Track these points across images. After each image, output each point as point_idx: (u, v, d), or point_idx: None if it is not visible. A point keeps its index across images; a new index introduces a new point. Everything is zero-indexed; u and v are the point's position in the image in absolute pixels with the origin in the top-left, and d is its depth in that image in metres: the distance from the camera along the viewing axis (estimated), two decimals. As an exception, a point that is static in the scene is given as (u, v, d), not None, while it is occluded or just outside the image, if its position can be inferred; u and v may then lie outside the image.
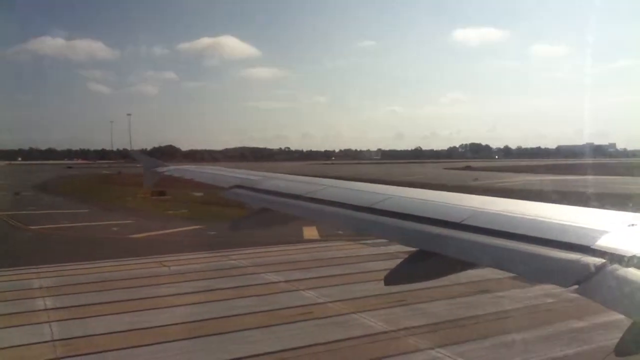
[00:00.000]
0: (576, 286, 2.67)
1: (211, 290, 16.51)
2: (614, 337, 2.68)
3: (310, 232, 26.25)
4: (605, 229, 2.97)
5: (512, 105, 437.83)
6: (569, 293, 10.61)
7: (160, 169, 10.86)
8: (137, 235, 28.23)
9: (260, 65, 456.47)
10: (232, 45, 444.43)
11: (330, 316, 13.82)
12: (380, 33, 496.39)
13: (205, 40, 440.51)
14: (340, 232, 24.75)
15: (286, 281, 17.39)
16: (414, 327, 12.98)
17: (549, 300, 14.92)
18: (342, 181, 6.42)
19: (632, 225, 3.02)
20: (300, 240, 24.81)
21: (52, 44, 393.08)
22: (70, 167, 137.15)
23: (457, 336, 12.68)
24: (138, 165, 13.59)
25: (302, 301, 15.24)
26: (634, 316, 2.48)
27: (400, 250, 19.15)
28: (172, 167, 10.84)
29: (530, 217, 3.54)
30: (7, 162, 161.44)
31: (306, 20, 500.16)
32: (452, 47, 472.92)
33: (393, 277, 4.15)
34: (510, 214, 3.69)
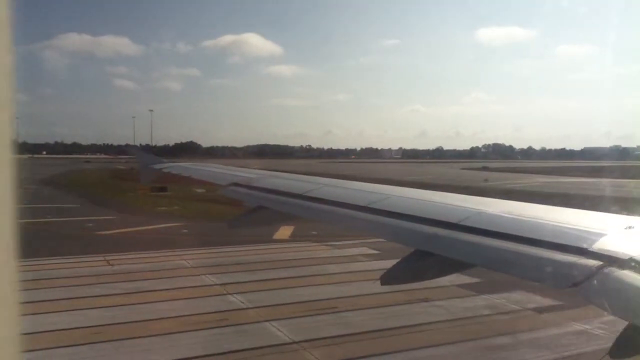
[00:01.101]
0: (574, 287, 2.65)
1: (140, 292, 15.70)
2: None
3: (284, 232, 25.56)
4: (603, 232, 2.97)
5: (538, 105, 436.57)
6: (510, 305, 11.88)
7: (157, 166, 10.85)
8: (105, 232, 27.11)
9: (283, 63, 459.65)
10: (255, 43, 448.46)
11: (240, 324, 12.91)
12: (404, 32, 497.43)
13: (229, 38, 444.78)
14: (314, 232, 24.47)
15: (222, 284, 16.54)
16: (322, 339, 11.97)
17: (485, 312, 13.93)
18: (340, 180, 6.41)
19: (630, 227, 3.02)
20: (268, 240, 23.93)
21: (78, 40, 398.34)
22: (88, 162, 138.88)
23: (367, 348, 11.59)
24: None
25: (224, 306, 14.31)
26: (629, 318, 2.48)
27: (365, 252, 19.32)
28: (170, 164, 10.83)
29: (528, 219, 3.53)
30: (29, 155, 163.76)
31: (329, 19, 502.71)
32: (476, 46, 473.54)
33: (390, 277, 4.15)
34: (508, 216, 3.70)
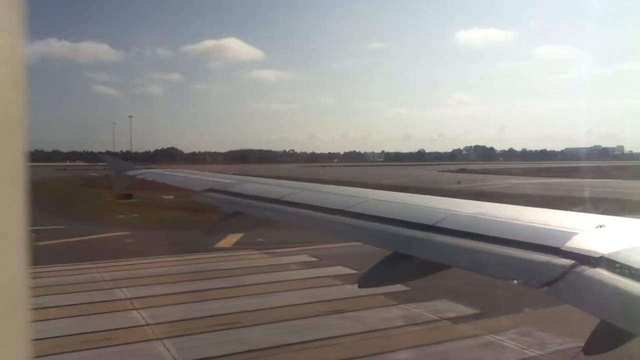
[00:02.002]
0: (547, 287, 2.68)
1: (44, 307, 14.15)
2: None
3: (230, 240, 24.53)
4: (575, 231, 3.00)
5: (520, 107, 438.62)
6: (427, 315, 12.11)
7: (131, 173, 10.69)
8: (43, 243, 25.17)
9: (266, 67, 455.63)
10: (236, 47, 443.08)
11: (128, 343, 12.09)
12: (389, 35, 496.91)
13: (209, 43, 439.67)
14: (260, 239, 23.71)
15: (133, 298, 15.54)
16: (208, 359, 11.38)
17: (398, 323, 13.32)
18: (317, 184, 6.40)
19: (601, 226, 3.06)
20: (208, 249, 22.80)
21: (58, 45, 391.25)
22: (65, 169, 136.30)
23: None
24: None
25: (121, 323, 13.36)
26: (602, 315, 2.50)
27: (303, 260, 19.18)
28: (144, 171, 10.70)
29: (503, 219, 3.55)
30: None
31: (310, 23, 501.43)
32: (458, 49, 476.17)
33: (367, 280, 4.16)
34: (482, 217, 3.73)
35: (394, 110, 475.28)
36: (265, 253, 22.23)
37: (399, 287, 15.06)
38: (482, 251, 3.15)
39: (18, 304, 0.80)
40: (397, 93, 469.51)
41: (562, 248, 2.81)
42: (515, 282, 2.89)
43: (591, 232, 2.98)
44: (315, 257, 20.86)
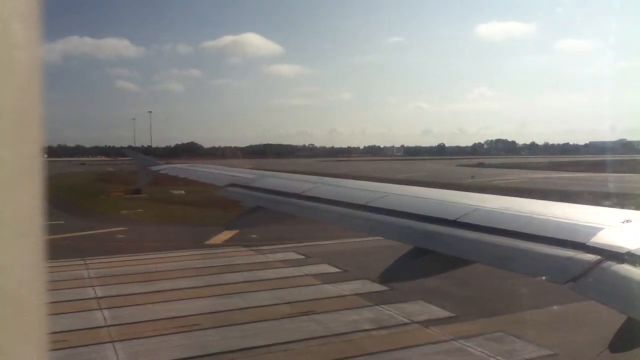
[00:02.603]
0: (572, 283, 2.65)
1: None
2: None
3: (223, 236, 24.29)
4: (600, 226, 2.96)
5: (542, 101, 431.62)
6: (399, 318, 11.89)
7: (154, 168, 10.81)
8: None
9: (285, 62, 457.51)
10: (255, 42, 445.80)
11: (78, 346, 11.49)
12: (408, 29, 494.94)
13: (228, 38, 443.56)
14: (253, 236, 23.15)
15: (100, 297, 14.96)
16: None
17: (366, 326, 12.68)
18: (337, 179, 6.41)
19: (627, 221, 3.01)
20: (197, 245, 22.45)
21: (79, 43, 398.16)
22: (82, 164, 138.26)
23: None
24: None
25: (78, 324, 12.76)
26: (628, 312, 2.46)
27: (289, 258, 19.11)
28: (167, 166, 10.80)
29: (527, 215, 3.52)
30: None
31: (329, 17, 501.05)
32: (478, 43, 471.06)
33: (389, 275, 4.14)
34: (506, 212, 3.69)
35: (414, 104, 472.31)
36: (253, 250, 21.64)
37: (376, 287, 14.92)
38: (506, 246, 3.12)
39: (35, 297, 0.81)
40: (417, 88, 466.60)
41: (587, 243, 2.77)
42: (543, 278, 2.86)
43: (617, 227, 2.93)
44: (303, 255, 20.49)
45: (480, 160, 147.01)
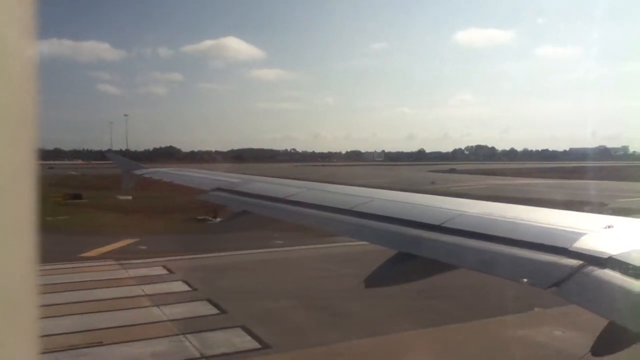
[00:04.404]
0: (555, 287, 2.68)
1: None
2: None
3: (111, 247, 23.78)
4: (583, 232, 2.99)
5: (524, 107, 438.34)
6: (201, 350, 10.80)
7: (138, 172, 10.69)
8: None
9: (266, 66, 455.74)
10: (236, 46, 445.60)
11: None
12: (393, 35, 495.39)
13: (208, 42, 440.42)
14: (143, 247, 22.93)
15: None
16: None
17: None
18: (323, 184, 6.42)
19: (609, 227, 3.05)
20: (71, 258, 21.23)
21: (59, 45, 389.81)
22: (51, 168, 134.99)
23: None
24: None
25: None
26: (610, 316, 2.49)
27: (153, 274, 18.22)
28: (151, 170, 10.68)
29: (510, 220, 3.55)
30: None
31: (310, 23, 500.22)
32: (463, 49, 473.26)
33: (373, 280, 4.14)
34: (490, 217, 3.70)
35: (397, 110, 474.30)
36: (119, 264, 20.45)
37: (211, 310, 14.45)
38: (490, 251, 3.15)
39: (26, 299, 0.81)
40: (401, 93, 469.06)
41: (569, 248, 2.80)
42: (524, 281, 2.90)
43: (599, 233, 2.97)
44: (168, 271, 19.40)
45: (453, 167, 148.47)
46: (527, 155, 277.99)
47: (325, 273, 19.21)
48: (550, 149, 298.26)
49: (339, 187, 5.89)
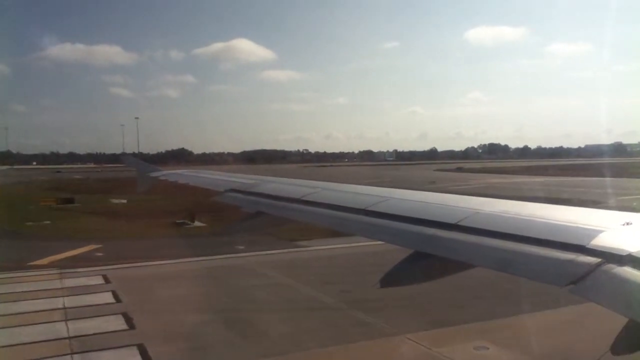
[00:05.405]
0: (572, 285, 2.65)
1: None
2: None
3: (67, 254, 22.88)
4: (601, 229, 2.97)
5: (538, 105, 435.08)
6: None
7: (154, 174, 10.82)
8: None
9: (278, 68, 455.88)
10: (246, 48, 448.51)
11: None
12: (404, 34, 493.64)
13: (218, 45, 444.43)
14: (99, 254, 22.28)
15: None
16: None
17: None
18: (337, 184, 6.44)
19: (628, 224, 3.02)
20: (21, 266, 20.68)
21: (72, 50, 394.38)
22: (58, 172, 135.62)
23: None
24: (130, 169, 12.99)
25: None
26: (630, 314, 2.47)
27: (89, 283, 17.37)
28: (166, 172, 10.79)
29: (526, 218, 3.54)
30: (8, 166, 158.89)
31: (321, 23, 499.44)
32: (474, 47, 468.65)
33: (389, 279, 4.13)
34: (506, 215, 3.69)
35: (409, 109, 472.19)
36: (60, 273, 19.67)
37: (120, 325, 13.46)
38: (506, 250, 3.14)
39: None
40: (413, 92, 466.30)
41: (587, 246, 2.78)
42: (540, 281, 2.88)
43: (618, 230, 2.94)
44: (105, 280, 18.63)
45: (461, 165, 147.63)
46: (540, 152, 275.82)
47: (271, 281, 18.52)
48: (564, 146, 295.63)
49: (355, 187, 5.90)
